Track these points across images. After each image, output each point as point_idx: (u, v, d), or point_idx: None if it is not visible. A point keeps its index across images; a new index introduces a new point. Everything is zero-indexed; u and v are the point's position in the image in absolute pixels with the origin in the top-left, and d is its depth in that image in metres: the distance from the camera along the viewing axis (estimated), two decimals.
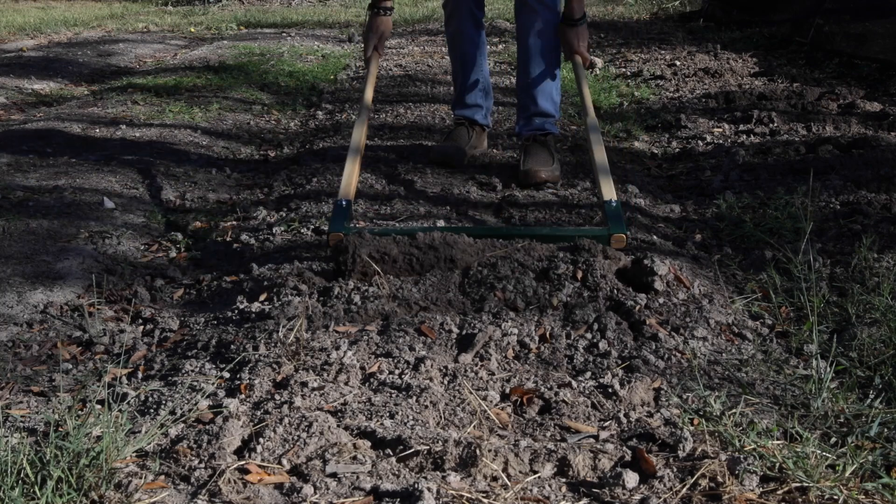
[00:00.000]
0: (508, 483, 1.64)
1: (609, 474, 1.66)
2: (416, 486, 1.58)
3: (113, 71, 6.93)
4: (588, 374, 2.07)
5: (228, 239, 3.12)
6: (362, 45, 3.70)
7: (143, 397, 1.98)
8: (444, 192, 3.43)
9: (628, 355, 2.14)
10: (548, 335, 2.22)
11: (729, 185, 3.61)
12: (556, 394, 1.94)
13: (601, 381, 2.03)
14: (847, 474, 1.64)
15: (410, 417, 1.84)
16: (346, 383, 2.00)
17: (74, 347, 2.36)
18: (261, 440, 1.75)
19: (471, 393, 1.93)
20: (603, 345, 2.18)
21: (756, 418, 1.85)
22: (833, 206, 3.27)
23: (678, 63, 6.27)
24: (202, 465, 1.70)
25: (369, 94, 3.44)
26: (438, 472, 1.67)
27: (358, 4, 11.51)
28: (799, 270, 2.45)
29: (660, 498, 1.59)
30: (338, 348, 2.14)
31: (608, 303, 2.39)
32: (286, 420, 1.79)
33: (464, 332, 2.23)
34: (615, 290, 2.43)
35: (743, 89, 5.33)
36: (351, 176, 3.00)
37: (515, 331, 2.22)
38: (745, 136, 4.36)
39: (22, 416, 1.93)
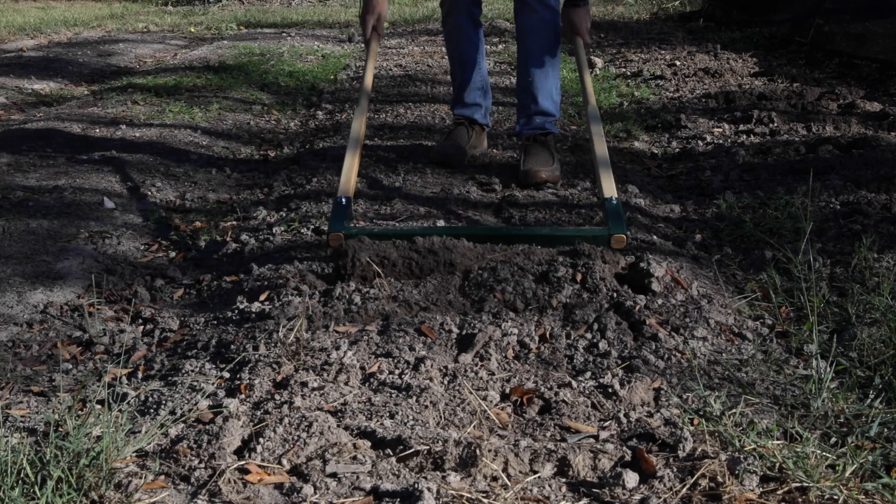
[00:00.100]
0: (508, 483, 1.64)
1: (609, 474, 1.66)
2: (416, 486, 1.58)
3: (113, 71, 6.94)
4: (588, 374, 2.07)
5: (228, 239, 3.12)
6: (362, 42, 3.66)
7: (143, 397, 1.98)
8: (444, 192, 3.43)
9: (628, 355, 2.14)
10: (548, 335, 2.22)
11: (729, 185, 3.61)
12: (556, 394, 1.94)
13: (601, 381, 2.03)
14: (847, 474, 1.64)
15: (410, 417, 1.84)
16: (346, 383, 2.00)
17: (74, 347, 2.36)
18: (261, 440, 1.75)
19: (471, 393, 1.93)
20: (603, 345, 2.18)
21: (756, 418, 1.85)
22: (833, 206, 3.27)
23: (678, 63, 6.27)
24: (202, 465, 1.70)
25: (369, 78, 3.38)
26: (438, 472, 1.67)
27: (358, 4, 11.50)
28: (799, 270, 2.45)
29: (660, 498, 1.59)
30: (338, 348, 2.14)
31: (608, 303, 2.39)
32: (286, 420, 1.79)
33: (464, 332, 2.23)
34: (614, 292, 2.43)
35: (743, 89, 5.33)
36: (350, 171, 2.96)
37: (515, 331, 2.22)
38: (745, 136, 4.36)
39: (22, 416, 1.93)
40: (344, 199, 2.84)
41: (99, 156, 4.04)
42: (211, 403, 1.93)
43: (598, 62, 6.48)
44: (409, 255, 2.58)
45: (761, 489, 1.62)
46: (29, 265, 2.83)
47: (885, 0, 5.71)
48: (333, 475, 1.66)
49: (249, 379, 2.01)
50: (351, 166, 2.98)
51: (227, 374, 2.08)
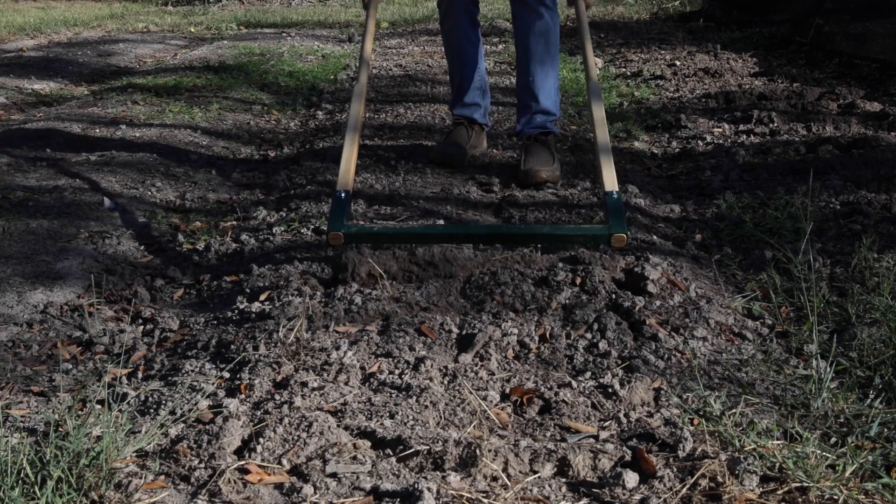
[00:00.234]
0: (508, 483, 1.64)
1: (609, 474, 1.66)
2: (416, 486, 1.58)
3: (113, 71, 6.94)
4: (588, 374, 2.07)
5: (228, 239, 3.12)
6: (363, 7, 3.55)
7: (143, 397, 1.98)
8: (444, 192, 3.43)
9: (628, 355, 2.14)
10: (548, 335, 2.22)
11: (729, 185, 3.61)
12: (556, 394, 1.94)
13: (601, 381, 2.03)
14: (847, 474, 1.64)
15: (410, 417, 1.84)
16: (346, 383, 2.00)
17: (74, 347, 2.36)
18: (261, 440, 1.75)
19: (471, 393, 1.93)
20: (603, 345, 2.18)
21: (756, 418, 1.85)
22: (833, 206, 3.27)
23: (678, 63, 6.27)
24: (202, 465, 1.70)
25: (368, 45, 3.28)
26: (438, 472, 1.67)
27: (358, 4, 11.50)
28: (799, 270, 2.45)
29: (660, 498, 1.59)
30: (338, 348, 2.14)
31: (608, 303, 2.39)
32: (286, 420, 1.79)
33: (464, 332, 2.23)
34: (613, 294, 2.43)
35: (743, 89, 5.33)
36: (349, 162, 2.88)
37: (515, 331, 2.22)
38: (745, 136, 4.36)
39: (22, 416, 1.93)
40: (343, 193, 2.79)
41: (99, 156, 4.04)
42: (211, 403, 1.93)
43: (599, 62, 6.48)
44: (408, 267, 2.57)
45: (761, 489, 1.62)
46: (29, 265, 2.83)
47: (885, 0, 5.71)
48: (333, 475, 1.66)
49: (249, 379, 2.01)
50: (350, 156, 2.90)
51: (227, 374, 2.08)
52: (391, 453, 1.73)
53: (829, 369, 1.98)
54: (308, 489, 1.62)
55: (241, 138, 4.59)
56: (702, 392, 1.93)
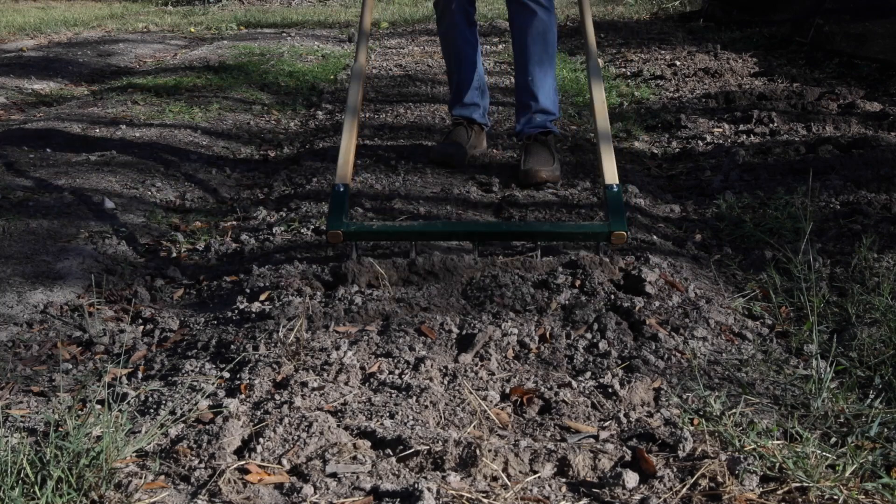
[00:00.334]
0: (508, 483, 1.64)
1: (609, 474, 1.66)
2: (416, 486, 1.58)
3: (113, 71, 6.94)
4: (588, 374, 2.07)
5: (228, 239, 3.12)
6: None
7: (143, 397, 1.98)
8: (444, 192, 3.43)
9: (628, 355, 2.14)
10: (548, 335, 2.22)
11: (729, 185, 3.61)
12: (556, 394, 1.94)
13: (601, 381, 2.03)
14: (847, 474, 1.64)
15: (410, 417, 1.84)
16: (346, 383, 2.00)
17: (74, 347, 2.36)
18: (261, 440, 1.75)
19: (471, 393, 1.93)
20: (603, 345, 2.18)
21: (756, 418, 1.85)
22: (833, 206, 3.27)
23: (678, 63, 6.27)
24: (202, 465, 1.70)
25: (367, 19, 3.23)
26: (438, 472, 1.67)
27: (358, 4, 11.50)
28: (799, 270, 2.45)
29: (660, 498, 1.59)
30: (338, 348, 2.14)
31: (607, 303, 2.39)
32: (286, 420, 1.79)
33: (464, 332, 2.23)
34: (612, 295, 2.43)
35: (743, 89, 5.33)
36: (348, 154, 2.85)
37: (515, 331, 2.22)
38: (745, 136, 4.36)
39: (22, 416, 1.93)
40: (342, 187, 2.77)
41: (99, 156, 4.04)
42: (211, 403, 1.93)
43: (599, 62, 6.49)
44: (408, 276, 2.56)
45: (761, 489, 1.62)
46: (29, 265, 2.83)
47: (885, 0, 5.71)
48: (333, 475, 1.66)
49: (249, 379, 2.01)
50: (348, 148, 2.86)
51: (227, 374, 2.08)
52: (391, 453, 1.73)
53: (829, 369, 1.98)
54: (308, 489, 1.62)
55: (241, 138, 4.59)
56: (702, 392, 1.93)
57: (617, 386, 1.99)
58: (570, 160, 3.86)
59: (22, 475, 1.57)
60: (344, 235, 2.65)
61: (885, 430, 1.78)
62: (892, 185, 3.41)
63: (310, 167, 3.85)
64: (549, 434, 1.83)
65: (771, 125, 4.46)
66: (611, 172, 2.78)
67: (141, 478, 1.65)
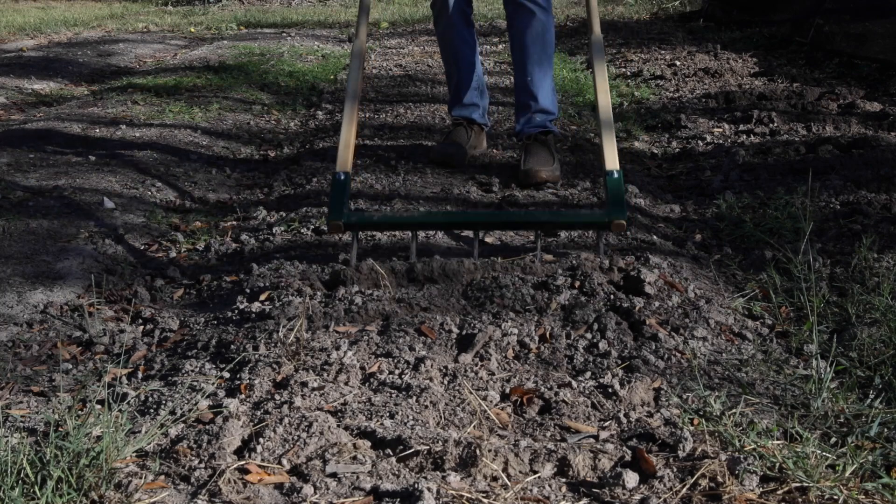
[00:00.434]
0: (508, 483, 1.64)
1: (609, 474, 1.66)
2: (416, 486, 1.58)
3: (113, 71, 6.94)
4: (588, 374, 2.07)
5: (228, 239, 3.12)
6: None
7: (143, 397, 1.98)
8: (444, 192, 3.43)
9: (628, 355, 2.14)
10: (548, 335, 2.22)
11: (729, 185, 3.61)
12: (556, 394, 1.94)
13: (601, 381, 2.03)
14: (847, 474, 1.64)
15: (410, 417, 1.84)
16: (346, 383, 2.00)
17: (74, 347, 2.36)
18: (261, 440, 1.75)
19: (471, 393, 1.93)
20: (603, 345, 2.18)
21: (756, 418, 1.85)
22: (833, 206, 3.27)
23: (678, 63, 6.27)
24: (202, 465, 1.70)
25: None
26: (438, 472, 1.67)
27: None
28: (799, 270, 2.45)
29: (660, 498, 1.59)
30: (338, 348, 2.14)
31: (607, 303, 2.39)
32: (286, 420, 1.79)
33: (464, 332, 2.23)
34: (612, 295, 2.43)
35: (743, 89, 5.33)
36: (348, 140, 2.82)
37: (515, 331, 2.22)
38: (745, 136, 4.36)
39: (22, 416, 1.93)
40: (342, 175, 2.75)
41: (99, 156, 4.04)
42: (211, 403, 1.93)
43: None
44: (406, 284, 2.55)
45: (761, 489, 1.62)
46: (29, 265, 2.83)
47: (885, 0, 5.71)
48: (333, 475, 1.66)
49: (249, 379, 2.01)
50: (349, 134, 2.83)
51: (227, 374, 2.08)
52: (391, 453, 1.73)
53: (829, 369, 1.98)
54: (308, 489, 1.62)
55: (241, 138, 4.59)
56: (702, 392, 1.93)
57: (617, 386, 1.99)
58: (570, 160, 3.86)
59: (22, 475, 1.57)
60: (345, 226, 2.64)
61: (885, 430, 1.78)
62: (892, 185, 3.41)
63: (310, 167, 3.85)
64: (549, 434, 1.83)
65: (771, 125, 4.46)
66: (611, 158, 2.74)
67: (141, 478, 1.65)
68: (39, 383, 2.16)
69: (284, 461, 1.71)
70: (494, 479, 1.66)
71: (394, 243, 2.91)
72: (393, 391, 1.96)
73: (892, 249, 2.72)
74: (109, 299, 2.67)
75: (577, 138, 4.26)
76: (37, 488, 1.56)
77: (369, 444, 1.76)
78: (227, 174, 4.01)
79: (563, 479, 1.67)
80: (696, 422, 1.85)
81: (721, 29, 7.77)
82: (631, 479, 1.64)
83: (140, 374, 2.16)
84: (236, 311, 2.44)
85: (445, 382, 2.01)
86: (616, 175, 2.70)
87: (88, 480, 1.59)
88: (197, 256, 3.01)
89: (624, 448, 1.75)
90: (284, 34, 8.70)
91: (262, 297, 2.49)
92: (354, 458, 1.70)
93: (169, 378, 2.09)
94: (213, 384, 2.01)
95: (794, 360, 2.16)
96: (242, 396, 1.95)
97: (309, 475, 1.66)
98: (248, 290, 2.56)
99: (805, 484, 1.61)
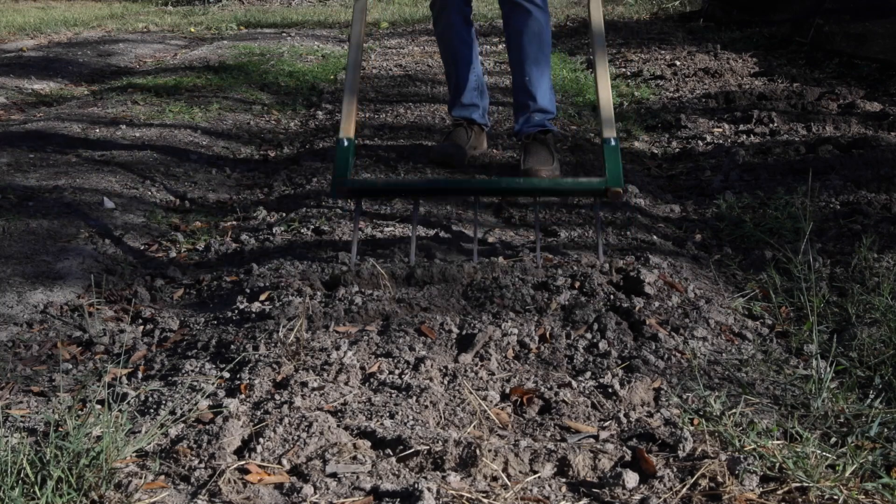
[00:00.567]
0: (508, 483, 1.64)
1: (609, 474, 1.66)
2: (416, 486, 1.58)
3: (113, 71, 6.94)
4: (588, 374, 2.07)
5: (228, 239, 3.12)
6: None
7: (143, 397, 1.98)
8: None
9: (628, 355, 2.14)
10: (548, 335, 2.22)
11: (729, 185, 3.61)
12: (556, 394, 1.94)
13: (601, 381, 2.03)
14: (847, 474, 1.64)
15: (410, 417, 1.84)
16: (346, 383, 2.00)
17: (74, 347, 2.36)
18: (261, 440, 1.75)
19: (471, 393, 1.93)
20: (603, 345, 2.18)
21: (756, 418, 1.85)
22: (833, 206, 3.27)
23: (678, 63, 6.27)
24: (202, 465, 1.70)
25: None
26: (438, 472, 1.67)
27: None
28: (799, 270, 2.45)
29: (660, 498, 1.59)
30: (338, 348, 2.14)
31: (607, 303, 2.39)
32: (286, 420, 1.79)
33: (464, 332, 2.23)
34: (612, 295, 2.43)
35: (743, 89, 5.33)
36: (351, 107, 2.82)
37: (515, 331, 2.22)
38: (745, 136, 4.36)
39: (22, 416, 1.93)
40: (346, 141, 2.78)
41: (99, 156, 4.04)
42: (211, 403, 1.93)
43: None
44: (406, 287, 2.55)
45: (761, 489, 1.62)
46: (29, 265, 2.83)
47: (885, 0, 5.71)
48: (333, 475, 1.66)
49: (249, 379, 2.01)
50: (351, 102, 2.83)
51: (227, 374, 2.08)
52: (391, 453, 1.73)
53: (829, 369, 1.98)
54: (308, 489, 1.62)
55: (241, 138, 4.59)
56: (702, 392, 1.93)
57: (617, 386, 1.99)
58: (570, 160, 3.86)
59: (22, 475, 1.57)
60: (350, 191, 2.67)
61: (885, 430, 1.79)
62: (892, 185, 3.41)
63: (310, 167, 3.85)
64: (549, 434, 1.83)
65: (771, 125, 4.46)
66: (609, 127, 2.78)
67: (141, 478, 1.65)
68: (39, 383, 2.16)
69: (284, 461, 1.71)
70: (494, 479, 1.66)
71: (394, 242, 2.91)
72: (393, 391, 1.96)
73: (892, 249, 2.72)
74: (109, 299, 2.67)
75: (577, 138, 4.26)
76: (37, 488, 1.56)
77: (369, 444, 1.76)
78: (227, 174, 4.01)
79: (563, 479, 1.67)
80: (696, 422, 1.85)
81: (721, 29, 7.77)
82: (631, 479, 1.64)
83: (140, 374, 2.16)
84: (236, 311, 2.44)
85: (445, 382, 2.01)
86: (613, 143, 2.75)
87: (88, 480, 1.59)
88: (197, 256, 3.01)
89: (624, 448, 1.75)
90: (284, 34, 8.70)
91: (262, 297, 2.49)
92: (354, 458, 1.70)
93: (169, 378, 2.09)
94: (213, 384, 2.01)
95: (794, 360, 2.16)
96: (242, 396, 1.95)
97: (309, 475, 1.66)
98: (248, 290, 2.56)
99: (805, 484, 1.61)
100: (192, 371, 2.10)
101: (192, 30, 9.53)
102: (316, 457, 1.71)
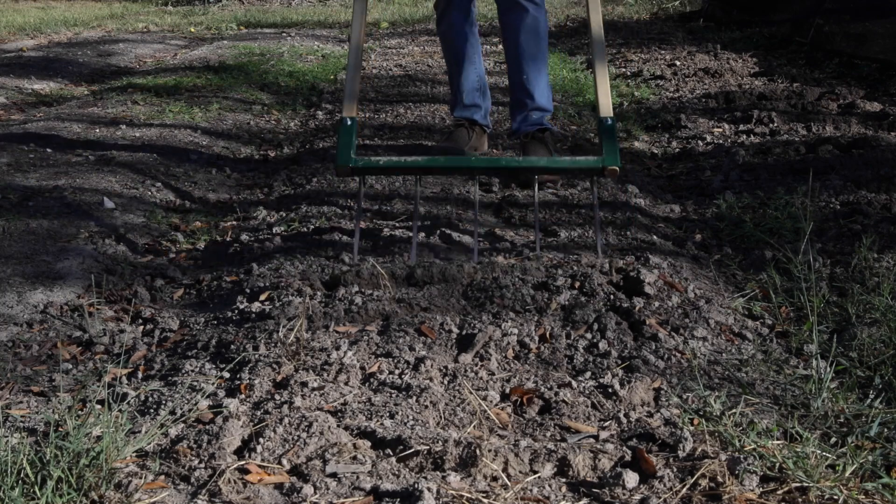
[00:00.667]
0: (508, 483, 1.64)
1: (609, 474, 1.66)
2: (416, 486, 1.58)
3: (113, 71, 6.94)
4: (588, 374, 2.07)
5: (228, 239, 3.12)
6: None
7: (143, 397, 1.98)
8: (444, 192, 3.43)
9: (628, 355, 2.14)
10: (548, 335, 2.22)
11: (729, 185, 3.61)
12: (556, 394, 1.94)
13: (601, 381, 2.03)
14: (847, 474, 1.64)
15: (410, 417, 1.84)
16: (346, 383, 2.00)
17: (74, 347, 2.36)
18: (261, 440, 1.75)
19: (471, 393, 1.93)
20: (603, 345, 2.18)
21: (756, 418, 1.85)
22: (833, 206, 3.27)
23: (678, 63, 6.27)
24: (202, 465, 1.70)
25: None
26: (438, 472, 1.67)
27: None
28: (799, 270, 2.45)
29: (660, 498, 1.59)
30: (338, 348, 2.14)
31: (607, 303, 2.39)
32: (286, 420, 1.79)
33: (464, 332, 2.23)
34: (612, 295, 2.43)
35: (743, 89, 5.33)
36: (354, 86, 2.86)
37: (515, 331, 2.22)
38: (745, 136, 4.36)
39: (22, 416, 1.93)
40: (349, 121, 2.82)
41: (99, 156, 4.04)
42: (211, 403, 1.93)
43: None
44: (406, 287, 2.55)
45: (761, 489, 1.62)
46: (29, 265, 2.83)
47: (885, 0, 5.71)
48: (333, 475, 1.66)
49: (249, 379, 2.01)
50: (354, 81, 2.87)
51: (227, 374, 2.08)
52: (391, 453, 1.73)
53: (829, 369, 1.98)
54: (308, 489, 1.62)
55: (241, 138, 4.59)
56: (702, 392, 1.93)
57: (617, 386, 1.98)
58: None
59: (22, 475, 1.57)
60: (352, 169, 2.71)
61: (885, 430, 1.78)
62: (892, 185, 3.41)
63: (310, 167, 3.85)
64: (549, 434, 1.83)
65: (771, 125, 4.46)
66: (605, 105, 2.82)
67: (141, 478, 1.65)
68: (39, 383, 2.16)
69: (284, 461, 1.71)
70: (494, 479, 1.66)
71: (394, 242, 2.91)
72: (393, 391, 1.96)
73: (892, 249, 2.72)
74: (109, 299, 2.67)
75: (577, 138, 4.26)
76: (37, 488, 1.56)
77: (369, 444, 1.76)
78: (227, 174, 4.01)
79: (563, 479, 1.67)
80: (696, 422, 1.85)
81: (721, 29, 7.77)
82: (631, 479, 1.64)
83: (140, 374, 2.16)
84: (236, 311, 2.44)
85: (445, 382, 2.01)
86: (610, 122, 2.80)
87: (88, 480, 1.59)
88: (197, 256, 3.01)
89: (624, 448, 1.75)
90: (284, 34, 8.70)
91: (262, 297, 2.49)
92: (354, 458, 1.70)
93: (169, 378, 2.09)
94: (213, 384, 2.01)
95: (794, 360, 2.16)
96: (242, 396, 1.95)
97: (309, 475, 1.66)
98: (248, 290, 2.56)
99: (805, 484, 1.61)
100: (192, 371, 2.10)
101: (192, 30, 9.53)
102: (316, 457, 1.71)
